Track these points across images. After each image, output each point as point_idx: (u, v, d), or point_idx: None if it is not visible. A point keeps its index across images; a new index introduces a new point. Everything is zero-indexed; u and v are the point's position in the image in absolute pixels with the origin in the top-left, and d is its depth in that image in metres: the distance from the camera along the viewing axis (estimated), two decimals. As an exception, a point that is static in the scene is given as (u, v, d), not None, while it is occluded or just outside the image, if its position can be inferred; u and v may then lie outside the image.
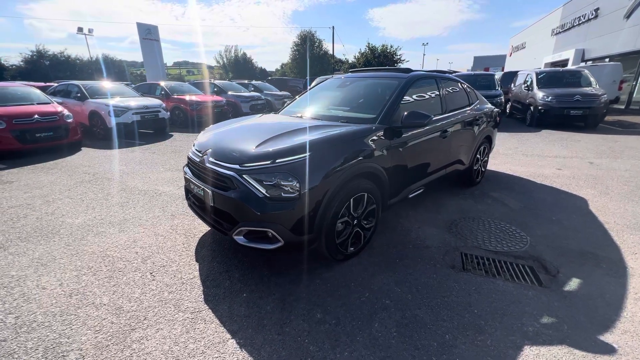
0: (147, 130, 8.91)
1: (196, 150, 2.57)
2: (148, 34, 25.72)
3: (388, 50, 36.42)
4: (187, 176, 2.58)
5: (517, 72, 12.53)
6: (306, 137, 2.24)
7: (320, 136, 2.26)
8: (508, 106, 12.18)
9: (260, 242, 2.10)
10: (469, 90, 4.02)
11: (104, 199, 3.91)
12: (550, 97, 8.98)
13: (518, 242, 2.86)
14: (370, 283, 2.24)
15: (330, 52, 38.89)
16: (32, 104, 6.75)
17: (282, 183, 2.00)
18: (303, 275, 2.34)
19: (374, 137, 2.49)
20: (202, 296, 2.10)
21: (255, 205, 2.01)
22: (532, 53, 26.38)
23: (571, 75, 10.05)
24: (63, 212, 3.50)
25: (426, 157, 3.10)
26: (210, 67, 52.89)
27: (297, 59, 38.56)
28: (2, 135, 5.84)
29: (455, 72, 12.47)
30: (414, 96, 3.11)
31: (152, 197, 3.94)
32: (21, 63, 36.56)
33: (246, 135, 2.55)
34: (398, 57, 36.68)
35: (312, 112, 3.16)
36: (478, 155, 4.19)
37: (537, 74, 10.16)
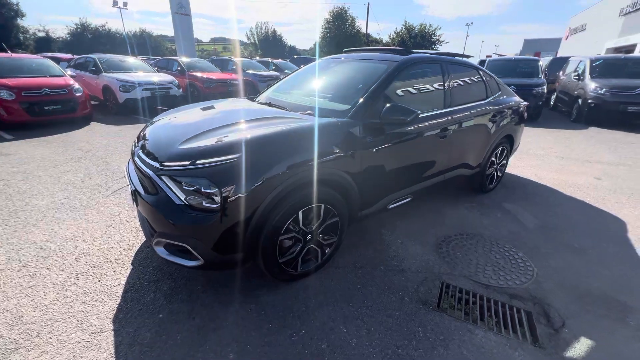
0: (162, 106, 8.85)
1: (136, 139, 2.25)
2: (180, 8, 25.65)
3: (426, 30, 34.00)
4: (125, 167, 2.28)
5: (569, 58, 10.90)
6: (244, 134, 1.81)
7: (262, 132, 1.82)
8: (553, 97, 10.73)
9: (180, 256, 1.76)
10: (488, 79, 3.31)
11: (81, 179, 3.78)
12: (604, 90, 7.65)
13: (520, 274, 2.29)
14: (313, 316, 1.84)
15: (364, 30, 36.92)
16: (44, 77, 6.82)
17: (203, 190, 1.62)
18: (238, 295, 1.98)
19: (340, 135, 2.01)
20: (114, 312, 1.82)
21: (169, 214, 1.65)
22: (592, 36, 23.16)
23: (636, 64, 8.49)
24: (34, 192, 3.40)
25: (415, 161, 2.55)
26: (243, 44, 52.75)
27: (328, 38, 37.09)
28: (12, 107, 5.94)
29: (491, 56, 11.10)
30: (409, 85, 2.53)
31: (122, 181, 3.74)
32: (67, 35, 38.55)
33: (184, 126, 2.17)
34: (437, 37, 34.19)
35: (282, 98, 2.69)
36: (493, 158, 3.52)
37: (592, 61, 8.70)
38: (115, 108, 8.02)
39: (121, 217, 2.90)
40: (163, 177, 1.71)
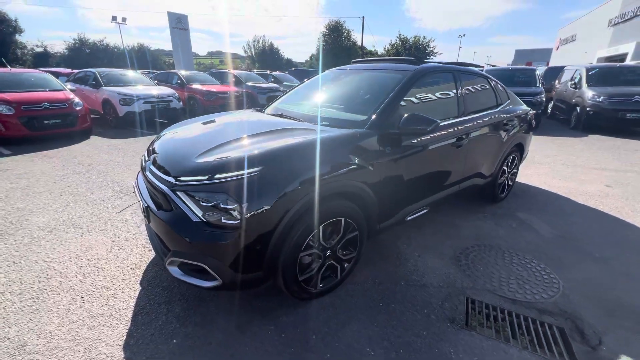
0: (162, 119, 8.80)
1: (146, 153, 2.17)
2: (178, 23, 26.08)
3: (420, 42, 34.72)
4: (134, 183, 2.19)
5: (564, 67, 11.09)
6: (264, 146, 1.74)
7: (282, 144, 1.75)
8: (550, 106, 10.85)
9: (197, 277, 1.66)
10: (498, 88, 3.30)
11: (82, 195, 3.67)
12: (601, 97, 7.75)
13: (546, 288, 2.20)
14: (337, 337, 1.73)
15: (359, 43, 37.60)
16: (44, 91, 6.76)
17: (222, 206, 1.53)
18: (256, 316, 1.87)
19: (359, 146, 1.94)
20: (125, 337, 1.70)
21: (185, 231, 1.56)
22: (583, 46, 23.73)
23: (630, 72, 8.64)
24: (34, 209, 3.28)
25: (432, 171, 2.49)
26: (240, 57, 53.43)
27: (325, 50, 37.70)
28: (10, 122, 5.85)
29: (484, 66, 11.28)
30: (423, 94, 2.50)
31: (130, 196, 3.63)
32: (65, 51, 38.82)
33: (197, 139, 2.09)
34: (431, 49, 34.90)
35: (294, 110, 2.63)
36: (505, 167, 3.47)
37: (588, 70, 8.84)
38: (115, 121, 7.96)
39: (126, 234, 2.79)
40: (178, 193, 1.62)
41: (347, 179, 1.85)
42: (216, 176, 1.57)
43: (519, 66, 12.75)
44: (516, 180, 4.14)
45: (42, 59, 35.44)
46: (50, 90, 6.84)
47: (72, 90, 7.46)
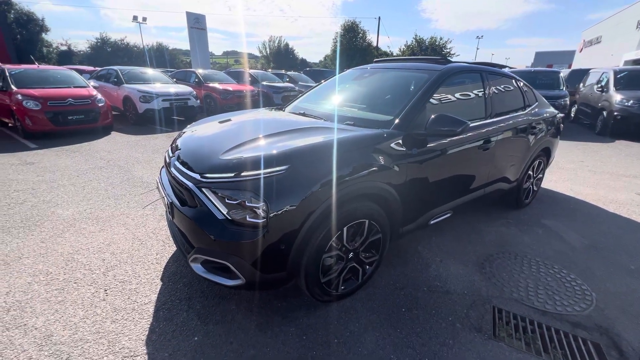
0: (179, 117, 8.95)
1: (170, 149, 2.18)
2: (196, 23, 26.52)
3: (437, 43, 34.20)
4: (158, 179, 2.20)
5: (589, 70, 10.68)
6: (290, 144, 1.71)
7: (309, 143, 1.72)
8: (573, 109, 10.47)
9: (220, 274, 1.64)
10: (525, 89, 3.18)
11: (104, 189, 3.75)
12: (630, 102, 7.41)
13: (578, 300, 2.10)
14: (359, 343, 1.69)
15: (375, 43, 37.36)
16: (69, 87, 6.97)
17: (248, 204, 1.51)
18: (276, 317, 1.84)
19: (386, 147, 1.89)
20: (147, 332, 1.70)
21: (210, 228, 1.55)
22: (609, 49, 22.85)
23: (663, 76, 8.24)
24: (58, 201, 3.36)
25: (457, 174, 2.41)
26: (255, 57, 53.96)
27: (340, 50, 37.61)
28: (37, 117, 6.06)
29: (511, 68, 11.01)
30: (450, 95, 2.42)
31: (150, 191, 3.69)
32: (87, 49, 40.11)
33: (222, 136, 2.09)
34: (447, 50, 34.33)
35: (317, 109, 2.60)
36: (530, 172, 3.34)
37: (616, 73, 8.48)
38: (135, 118, 8.14)
39: (147, 229, 2.82)
40: (204, 189, 1.62)
41: (372, 180, 1.80)
42: (242, 174, 1.55)
43: (542, 68, 12.34)
44: (541, 185, 3.99)
45: (66, 57, 36.74)
46: (74, 87, 7.05)
47: (94, 87, 7.67)
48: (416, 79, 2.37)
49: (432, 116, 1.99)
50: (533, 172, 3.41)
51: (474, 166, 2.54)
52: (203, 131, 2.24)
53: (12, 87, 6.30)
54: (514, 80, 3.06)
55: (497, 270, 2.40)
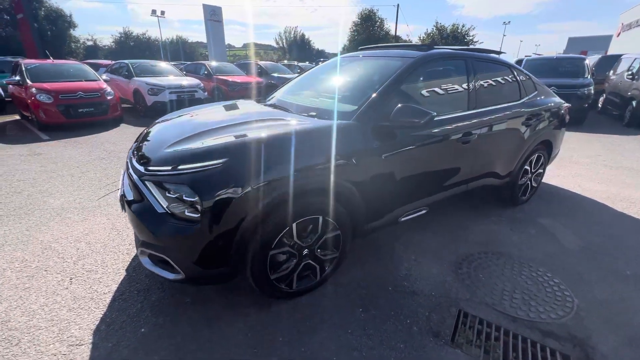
0: (186, 109, 9.10)
1: (133, 142, 2.18)
2: (213, 15, 26.72)
3: (459, 31, 32.69)
4: (122, 172, 2.22)
5: (621, 56, 9.82)
6: (233, 137, 1.65)
7: (252, 136, 1.65)
8: (601, 99, 9.70)
9: (163, 268, 1.63)
10: (523, 79, 2.93)
11: (98, 179, 3.87)
12: (664, 90, 6.76)
13: (556, 307, 1.93)
14: (304, 342, 1.63)
15: (393, 32, 36.24)
16: (80, 81, 7.23)
17: (185, 198, 1.48)
18: (228, 312, 1.82)
19: (343, 140, 1.79)
20: (97, 322, 1.73)
21: (149, 222, 1.53)
22: (650, 32, 20.92)
23: None
24: (53, 191, 3.50)
25: (431, 169, 2.26)
26: (273, 49, 53.96)
27: (356, 40, 36.80)
28: (49, 109, 6.34)
29: (530, 56, 10.33)
30: (426, 85, 2.27)
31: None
32: (112, 44, 41.56)
33: (177, 128, 2.06)
34: (470, 38, 32.75)
35: (290, 100, 2.52)
36: (527, 166, 3.11)
37: (650, 59, 7.74)
38: (144, 110, 8.34)
39: (126, 220, 2.87)
40: (147, 183, 1.60)
41: (325, 175, 1.72)
42: (179, 167, 1.51)
43: (565, 55, 11.49)
44: (544, 181, 3.73)
45: (92, 51, 38.30)
46: (86, 81, 7.30)
47: (106, 81, 7.91)
48: (388, 67, 2.23)
49: (397, 107, 1.86)
50: (531, 167, 3.17)
51: (452, 161, 2.37)
52: (166, 124, 2.22)
53: (28, 81, 6.61)
54: (508, 68, 2.83)
55: (474, 271, 2.26)
